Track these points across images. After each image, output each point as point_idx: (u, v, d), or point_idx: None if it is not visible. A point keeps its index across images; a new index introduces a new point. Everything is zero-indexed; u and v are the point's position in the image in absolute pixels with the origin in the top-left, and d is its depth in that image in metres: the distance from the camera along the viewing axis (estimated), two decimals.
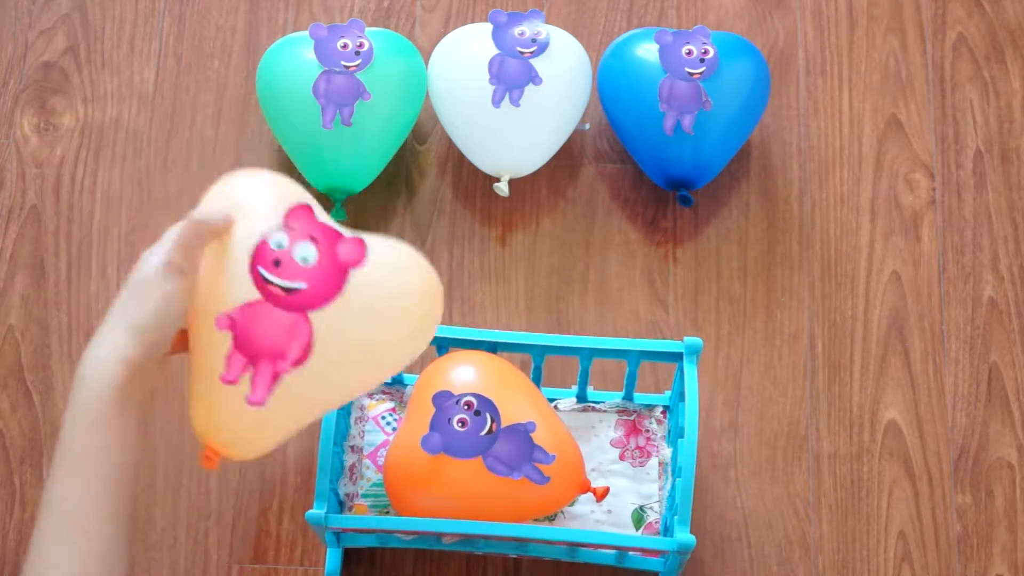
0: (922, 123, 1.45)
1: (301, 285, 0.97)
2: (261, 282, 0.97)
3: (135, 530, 1.30)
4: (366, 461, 1.26)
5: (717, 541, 1.29)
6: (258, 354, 0.97)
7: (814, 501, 1.31)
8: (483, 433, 1.14)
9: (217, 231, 0.97)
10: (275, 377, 0.97)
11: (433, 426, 1.14)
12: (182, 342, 0.99)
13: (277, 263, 0.97)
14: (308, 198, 1.01)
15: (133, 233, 1.41)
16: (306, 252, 0.98)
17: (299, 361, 0.97)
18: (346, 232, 0.99)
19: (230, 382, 0.97)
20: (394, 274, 1.01)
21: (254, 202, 1.00)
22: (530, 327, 1.37)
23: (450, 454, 1.13)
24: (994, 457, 1.32)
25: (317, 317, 0.97)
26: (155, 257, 0.94)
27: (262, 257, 0.97)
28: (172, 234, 0.95)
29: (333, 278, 0.98)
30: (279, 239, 0.98)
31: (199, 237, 0.96)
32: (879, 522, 1.30)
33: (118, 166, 1.44)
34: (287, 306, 0.97)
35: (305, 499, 1.30)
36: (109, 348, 0.93)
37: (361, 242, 0.99)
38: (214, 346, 0.97)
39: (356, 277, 0.98)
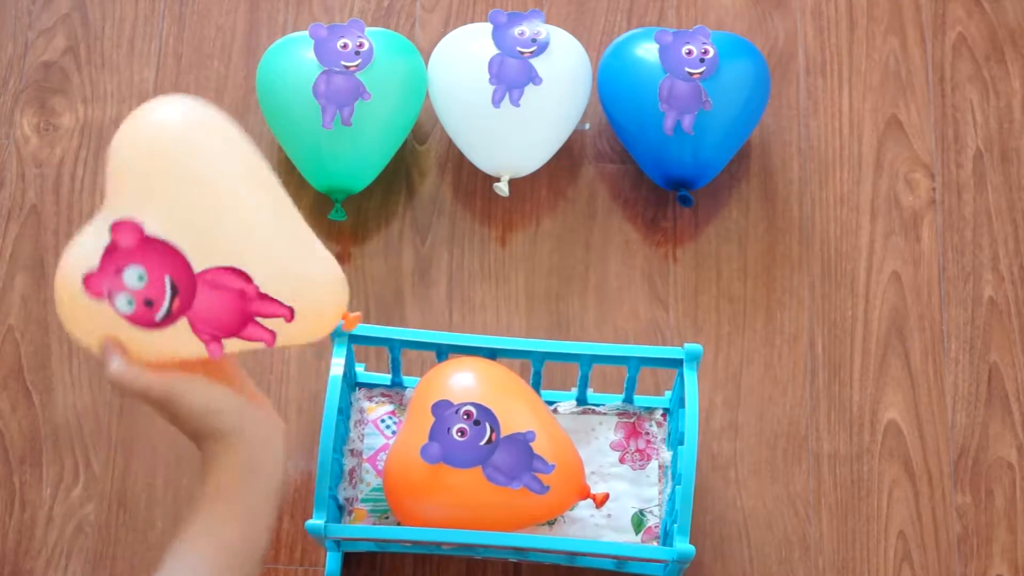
0: (922, 123, 1.45)
1: (169, 285, 0.95)
2: (166, 321, 0.95)
3: (135, 530, 1.30)
4: (366, 465, 1.26)
5: (717, 541, 1.29)
6: (239, 316, 0.96)
7: (814, 501, 1.31)
8: (482, 443, 1.14)
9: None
10: (264, 298, 0.96)
11: (432, 436, 1.14)
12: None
13: (149, 303, 0.95)
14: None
15: None
16: (133, 276, 0.95)
17: (247, 277, 0.95)
18: (105, 230, 0.96)
19: (272, 341, 0.97)
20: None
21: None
22: (530, 327, 1.37)
23: (449, 464, 1.13)
24: (994, 457, 1.32)
25: (200, 264, 0.95)
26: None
27: (140, 319, 0.95)
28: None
29: (159, 250, 0.94)
30: (123, 300, 0.95)
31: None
32: (879, 522, 1.30)
33: None
34: (190, 293, 0.95)
35: (305, 499, 1.30)
36: None
37: (119, 225, 0.94)
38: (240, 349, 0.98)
39: (161, 215, 0.95)
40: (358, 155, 1.36)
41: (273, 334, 0.97)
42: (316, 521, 1.14)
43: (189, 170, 0.96)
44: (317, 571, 1.28)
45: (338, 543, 1.21)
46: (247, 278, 0.95)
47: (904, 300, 1.38)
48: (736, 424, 1.34)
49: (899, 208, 1.42)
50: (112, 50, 1.48)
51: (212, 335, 0.96)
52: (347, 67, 1.34)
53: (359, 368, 1.30)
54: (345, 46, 1.35)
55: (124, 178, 0.97)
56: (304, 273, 0.99)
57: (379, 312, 1.38)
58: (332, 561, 1.25)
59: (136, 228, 0.94)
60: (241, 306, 0.96)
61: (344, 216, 1.38)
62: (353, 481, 1.25)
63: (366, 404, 1.29)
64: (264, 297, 0.96)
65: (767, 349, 1.36)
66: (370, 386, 1.30)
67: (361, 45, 1.35)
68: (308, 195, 1.42)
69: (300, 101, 1.34)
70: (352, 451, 1.26)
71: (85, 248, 0.96)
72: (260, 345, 0.98)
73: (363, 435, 1.27)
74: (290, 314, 0.97)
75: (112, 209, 0.95)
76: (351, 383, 1.27)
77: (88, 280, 0.95)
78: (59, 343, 1.36)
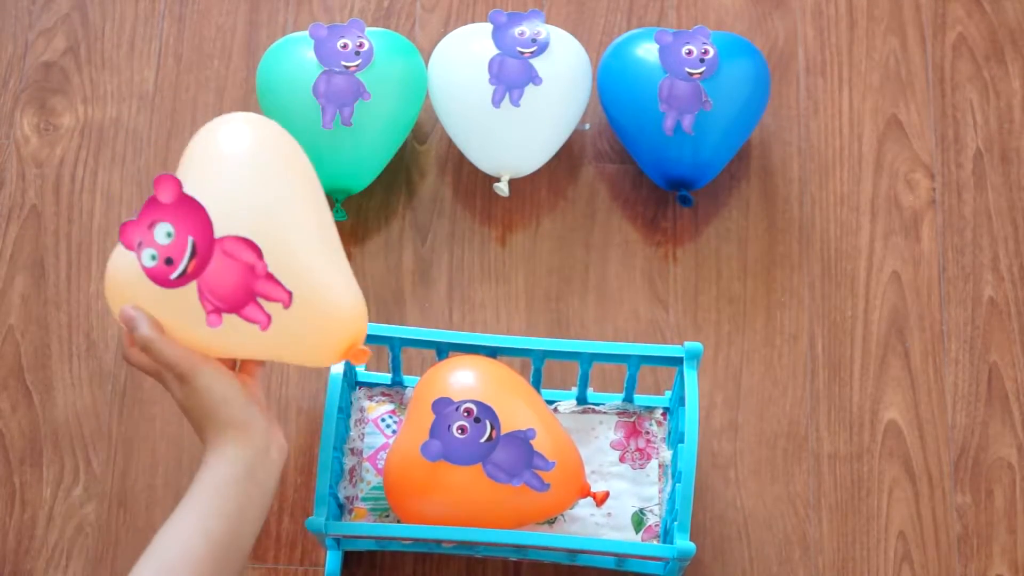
0: (922, 123, 1.45)
1: (190, 246, 1.00)
2: (179, 281, 1.01)
3: (135, 530, 1.30)
4: (366, 464, 1.26)
5: (717, 541, 1.29)
6: (243, 290, 1.00)
7: (814, 501, 1.31)
8: (483, 440, 1.14)
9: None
10: (270, 278, 1.00)
11: (433, 433, 1.14)
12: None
13: (169, 261, 1.00)
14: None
15: None
16: (163, 232, 1.01)
17: (260, 254, 1.00)
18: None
19: (267, 324, 1.02)
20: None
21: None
22: (530, 327, 1.37)
23: (450, 461, 1.13)
24: (994, 457, 1.32)
25: (221, 230, 1.00)
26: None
27: (157, 276, 1.01)
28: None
29: (189, 211, 1.00)
30: (148, 254, 1.01)
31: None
32: (879, 522, 1.30)
33: (118, 166, 1.44)
34: (205, 257, 1.00)
35: (305, 499, 1.30)
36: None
37: (161, 178, 1.01)
38: (237, 332, 1.02)
39: (203, 180, 1.02)
40: (358, 155, 1.36)
41: (269, 317, 1.01)
42: (316, 519, 1.14)
43: (245, 157, 1.04)
44: (317, 571, 1.28)
45: (338, 541, 1.21)
46: (259, 254, 1.00)
47: (904, 300, 1.38)
48: (736, 424, 1.34)
49: (899, 208, 1.42)
50: (112, 50, 1.48)
51: (215, 306, 1.00)
52: (347, 67, 1.34)
53: (359, 367, 1.30)
54: (345, 46, 1.35)
55: (189, 150, 1.05)
56: (327, 287, 1.04)
57: (379, 312, 1.38)
58: (332, 560, 1.25)
59: (176, 183, 1.00)
60: (248, 281, 1.00)
61: (344, 216, 1.38)
62: (353, 480, 1.25)
63: (366, 403, 1.29)
64: (270, 277, 1.00)
65: (767, 349, 1.36)
66: (370, 385, 1.30)
67: (361, 45, 1.35)
68: None
69: (300, 101, 1.34)
70: (352, 450, 1.26)
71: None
72: (256, 329, 1.01)
73: (363, 434, 1.27)
74: (288, 299, 1.00)
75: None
76: (351, 382, 1.28)
77: (123, 228, 1.02)
78: (59, 343, 1.36)
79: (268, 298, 1.01)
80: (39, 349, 1.36)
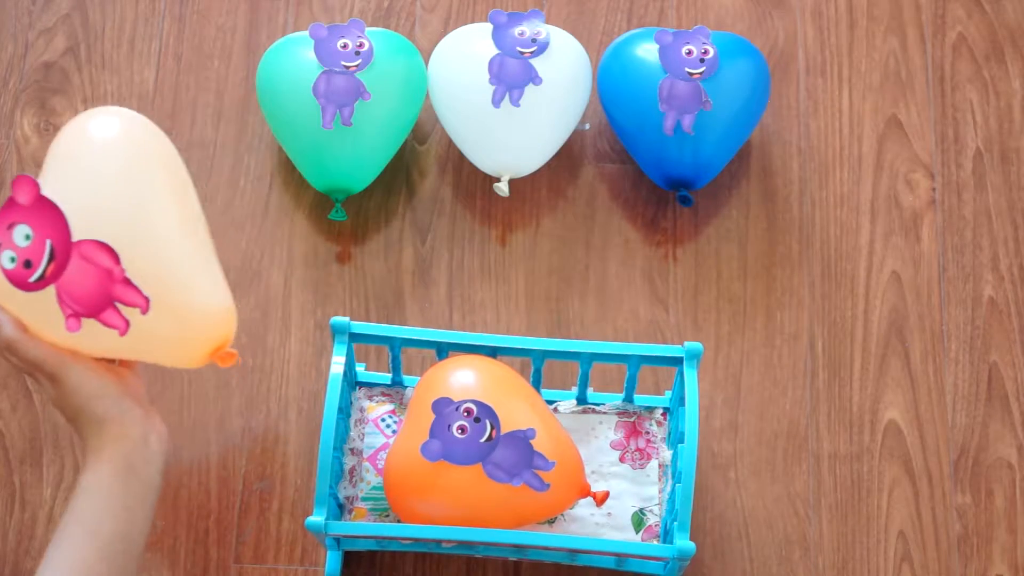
0: (922, 123, 1.45)
1: (48, 249, 0.99)
2: (38, 284, 1.00)
3: None
4: (366, 464, 1.26)
5: (717, 541, 1.29)
6: (100, 295, 1.00)
7: (814, 501, 1.31)
8: (483, 440, 1.14)
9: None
10: (126, 283, 1.00)
11: (433, 433, 1.14)
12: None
13: (28, 264, 1.00)
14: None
15: None
16: (21, 233, 1.01)
17: (116, 259, 1.00)
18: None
19: (125, 329, 1.01)
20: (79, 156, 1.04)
21: None
22: (530, 327, 1.37)
23: (450, 461, 1.13)
24: (994, 457, 1.32)
25: (79, 234, 1.00)
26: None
27: (16, 278, 1.01)
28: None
29: (47, 213, 0.99)
30: (7, 256, 1.01)
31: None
32: (879, 522, 1.30)
33: None
34: (63, 261, 0.99)
35: (305, 499, 1.30)
36: None
37: (18, 180, 1.01)
38: (95, 335, 1.02)
39: (59, 182, 1.01)
40: (358, 155, 1.36)
41: (127, 322, 1.01)
42: (316, 519, 1.14)
43: (108, 156, 1.02)
44: (317, 571, 1.28)
45: (338, 541, 1.21)
46: (116, 259, 0.99)
47: (904, 300, 1.38)
48: (736, 424, 1.34)
49: (899, 208, 1.42)
50: (112, 50, 1.48)
51: (74, 310, 1.00)
52: (347, 67, 1.34)
53: (359, 367, 1.31)
54: (345, 46, 1.35)
55: (54, 150, 1.04)
56: (188, 290, 1.04)
57: (379, 312, 1.38)
58: (332, 560, 1.25)
59: (34, 185, 0.99)
60: (104, 285, 1.00)
61: (344, 216, 1.38)
62: (353, 480, 1.25)
63: (366, 403, 1.29)
64: (127, 283, 1.00)
65: (767, 349, 1.36)
66: (370, 385, 1.30)
67: (361, 45, 1.35)
68: (308, 195, 1.42)
69: (300, 101, 1.34)
70: (352, 450, 1.26)
71: None
72: (114, 334, 1.02)
73: (363, 434, 1.27)
74: (145, 305, 1.00)
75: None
76: (351, 382, 1.28)
77: None
78: None
79: (125, 303, 1.00)
80: None
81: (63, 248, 0.99)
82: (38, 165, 1.42)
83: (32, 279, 1.00)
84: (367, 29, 1.37)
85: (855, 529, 1.30)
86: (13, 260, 1.00)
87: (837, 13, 1.50)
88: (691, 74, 1.34)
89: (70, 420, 1.06)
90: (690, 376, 1.18)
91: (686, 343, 1.20)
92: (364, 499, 1.24)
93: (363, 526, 1.19)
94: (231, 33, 1.49)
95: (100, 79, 1.47)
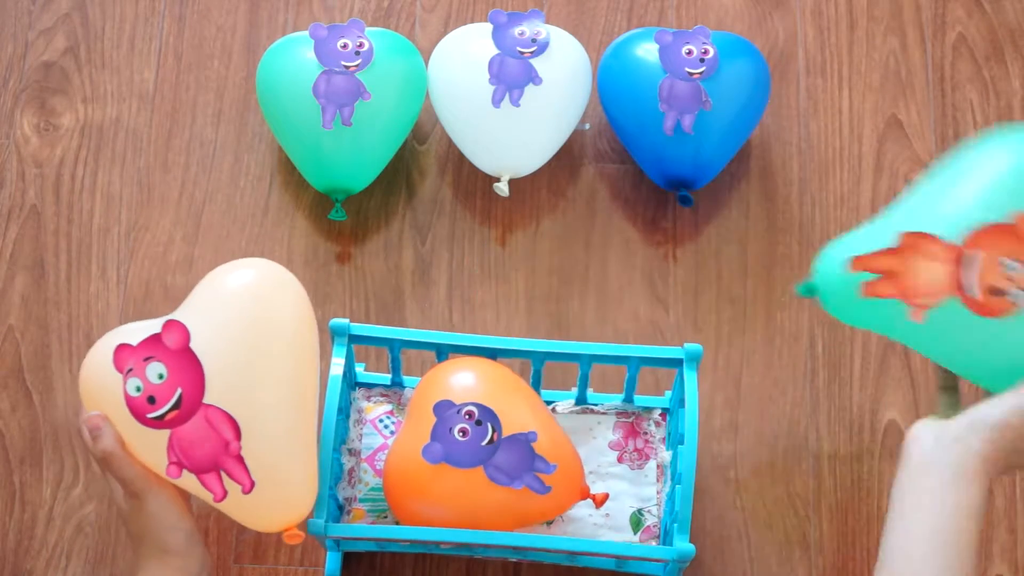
0: (922, 123, 1.45)
1: (176, 397, 1.02)
2: (154, 423, 1.03)
3: None
4: (364, 465, 1.26)
5: (717, 541, 1.29)
6: (211, 461, 1.03)
7: (814, 501, 1.31)
8: (484, 443, 1.14)
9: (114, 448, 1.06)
10: (239, 460, 1.03)
11: (434, 436, 1.14)
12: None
13: (151, 400, 1.02)
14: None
15: (133, 233, 1.41)
16: (155, 371, 1.03)
17: (238, 434, 1.02)
18: (159, 324, 1.05)
19: (222, 497, 1.04)
20: (247, 308, 1.07)
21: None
22: (530, 327, 1.37)
23: (451, 464, 1.13)
24: None
25: (211, 398, 1.02)
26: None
27: (135, 408, 1.03)
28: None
29: (188, 366, 1.02)
30: (134, 383, 1.03)
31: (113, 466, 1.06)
32: (879, 522, 1.30)
33: (118, 166, 1.44)
34: (187, 415, 1.02)
35: None
36: None
37: (173, 324, 1.03)
38: (190, 486, 1.05)
39: (209, 344, 1.04)
40: (358, 155, 1.36)
41: (225, 492, 1.05)
42: (317, 520, 1.14)
43: (255, 322, 1.05)
44: (317, 571, 1.28)
45: (338, 542, 1.21)
46: (238, 434, 1.03)
47: None
48: (736, 424, 1.34)
49: None
50: (112, 50, 1.48)
51: (180, 460, 1.04)
52: (347, 67, 1.34)
53: (359, 368, 1.30)
54: (345, 46, 1.35)
55: (205, 299, 1.06)
56: (285, 483, 1.07)
57: (379, 312, 1.38)
58: (332, 561, 1.25)
59: (185, 335, 1.03)
60: (219, 454, 1.03)
61: (344, 216, 1.38)
62: (352, 481, 1.25)
63: (364, 404, 1.29)
64: (240, 460, 1.03)
65: (767, 349, 1.36)
66: (369, 386, 1.30)
67: (361, 45, 1.35)
68: (308, 195, 1.42)
69: (300, 101, 1.34)
70: (351, 451, 1.26)
71: (135, 328, 1.06)
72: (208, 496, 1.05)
73: (361, 435, 1.27)
74: (250, 487, 1.04)
75: (179, 313, 1.05)
76: (351, 383, 1.27)
77: (120, 349, 1.04)
78: (59, 343, 1.36)
79: (232, 477, 1.03)
80: (39, 349, 1.36)
81: (192, 403, 1.02)
82: (38, 165, 1.43)
83: (151, 416, 1.03)
84: (367, 29, 1.37)
85: (855, 529, 1.30)
86: (139, 390, 1.03)
87: (837, 13, 1.50)
88: (691, 74, 1.34)
89: (133, 537, 1.09)
90: (690, 378, 1.18)
91: (686, 345, 1.20)
92: (362, 500, 1.24)
93: (363, 528, 1.19)
94: (231, 33, 1.49)
95: (100, 79, 1.47)
